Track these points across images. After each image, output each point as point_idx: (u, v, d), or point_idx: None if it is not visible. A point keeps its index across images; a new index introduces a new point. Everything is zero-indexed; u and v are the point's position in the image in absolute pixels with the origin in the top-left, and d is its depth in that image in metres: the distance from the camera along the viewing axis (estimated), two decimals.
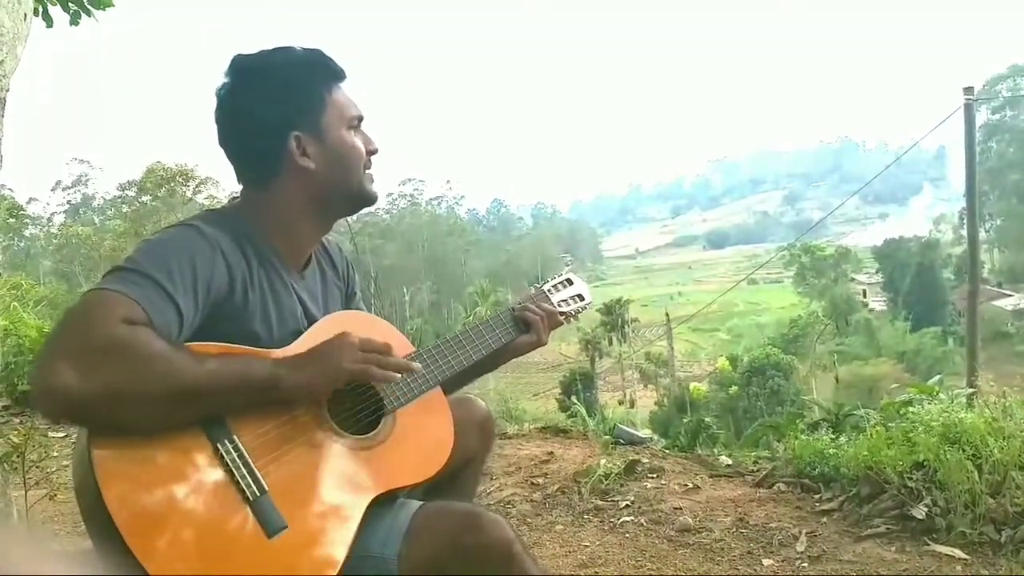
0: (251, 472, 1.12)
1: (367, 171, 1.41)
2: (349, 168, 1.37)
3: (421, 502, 1.31)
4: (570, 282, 1.82)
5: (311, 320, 1.38)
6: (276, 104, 1.31)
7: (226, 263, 1.24)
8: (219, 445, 1.12)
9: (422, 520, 1.25)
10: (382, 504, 1.25)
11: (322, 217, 1.42)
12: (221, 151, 1.36)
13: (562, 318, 1.75)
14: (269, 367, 1.18)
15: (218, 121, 1.34)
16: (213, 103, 1.34)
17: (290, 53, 1.35)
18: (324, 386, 1.22)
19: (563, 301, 1.77)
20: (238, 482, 1.10)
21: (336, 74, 1.38)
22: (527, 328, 1.65)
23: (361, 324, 1.45)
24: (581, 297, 1.81)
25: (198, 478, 1.09)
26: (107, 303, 1.08)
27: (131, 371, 1.04)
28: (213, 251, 1.23)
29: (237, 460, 1.12)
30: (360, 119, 1.40)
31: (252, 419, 1.16)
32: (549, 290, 1.77)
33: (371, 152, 1.41)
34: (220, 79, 1.34)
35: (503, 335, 1.62)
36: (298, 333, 1.33)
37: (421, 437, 1.37)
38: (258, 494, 1.11)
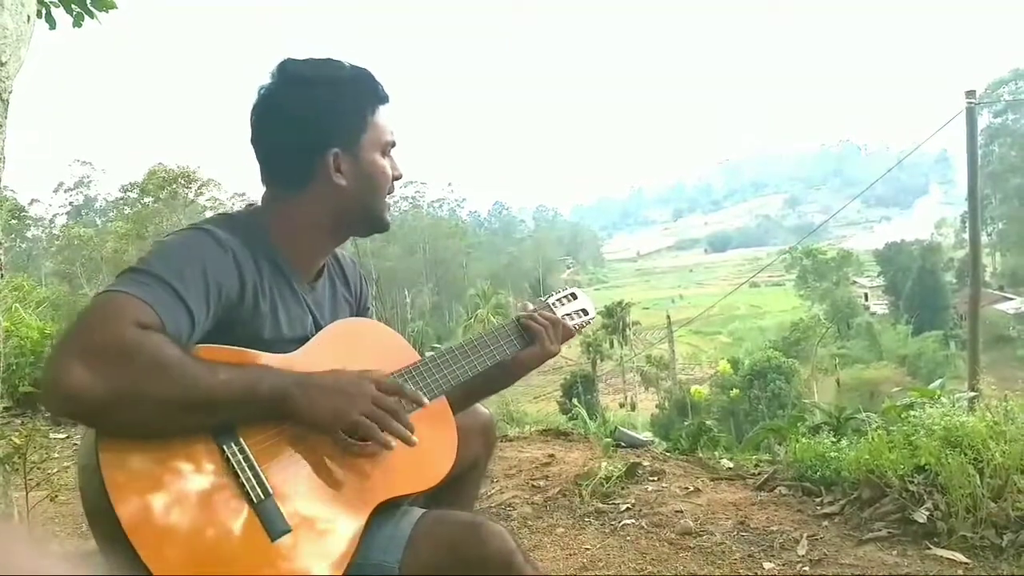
0: (256, 475, 1.12)
1: (388, 197, 1.42)
2: (376, 191, 1.38)
3: (423, 510, 1.31)
4: (574, 296, 1.81)
5: (320, 330, 1.38)
6: (321, 116, 1.31)
7: (238, 268, 1.24)
8: (225, 447, 1.12)
9: (424, 529, 1.24)
10: (385, 511, 1.25)
11: (337, 233, 1.42)
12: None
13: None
14: (280, 384, 1.17)
15: (256, 120, 1.33)
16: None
17: (340, 69, 1.35)
18: (326, 422, 1.21)
19: (567, 315, 1.75)
20: (243, 484, 1.11)
21: (380, 97, 1.38)
22: (531, 339, 1.63)
23: (369, 333, 1.46)
24: (585, 312, 1.80)
25: (203, 479, 1.09)
26: (120, 305, 1.08)
27: (142, 376, 1.04)
28: (225, 256, 1.23)
29: (243, 462, 1.12)
30: (393, 145, 1.41)
31: (258, 423, 1.17)
32: (553, 304, 1.76)
33: (395, 178, 1.42)
34: (263, 78, 1.33)
35: (507, 346, 1.60)
36: (306, 341, 1.33)
37: (425, 445, 1.36)
38: (263, 497, 1.11)
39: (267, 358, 1.23)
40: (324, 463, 1.22)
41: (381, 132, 1.37)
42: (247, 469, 1.12)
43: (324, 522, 1.17)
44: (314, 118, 1.30)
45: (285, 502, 1.13)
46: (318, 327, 1.39)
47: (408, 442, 1.25)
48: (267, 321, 1.28)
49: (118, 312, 1.07)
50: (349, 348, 1.36)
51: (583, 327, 1.81)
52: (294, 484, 1.17)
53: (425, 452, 1.35)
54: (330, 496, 1.20)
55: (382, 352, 1.41)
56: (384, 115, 1.39)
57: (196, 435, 1.11)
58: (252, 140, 1.35)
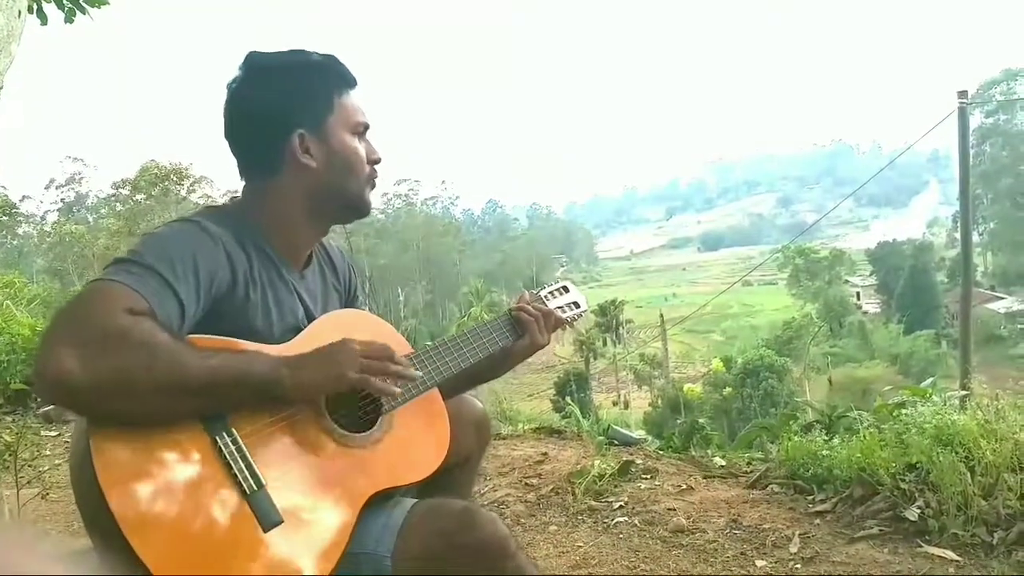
0: (249, 466, 1.12)
1: (370, 180, 1.42)
2: (350, 171, 1.38)
3: (416, 500, 1.31)
4: (566, 289, 1.82)
5: (311, 319, 1.39)
6: (283, 100, 1.32)
7: (228, 258, 1.25)
8: (217, 438, 1.12)
9: (416, 518, 1.25)
10: (377, 502, 1.25)
11: (317, 219, 1.42)
12: (225, 145, 1.37)
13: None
14: (271, 366, 1.17)
15: (225, 113, 1.35)
16: (218, 98, 1.36)
17: (304, 55, 1.37)
18: (324, 389, 1.22)
19: (559, 308, 1.75)
20: (235, 475, 1.10)
21: (347, 80, 1.39)
22: (522, 330, 1.64)
23: (361, 323, 1.46)
24: (577, 304, 1.81)
25: (196, 470, 1.09)
26: (110, 293, 1.08)
27: (133, 361, 1.04)
28: (216, 246, 1.23)
29: (235, 453, 1.12)
30: (366, 127, 1.41)
31: (251, 413, 1.17)
32: (545, 296, 1.76)
33: (374, 161, 1.42)
34: (233, 72, 1.35)
35: (499, 338, 1.61)
36: (298, 331, 1.33)
37: (417, 437, 1.37)
38: (255, 488, 1.11)
39: (259, 347, 1.23)
40: (316, 454, 1.22)
41: (351, 113, 1.38)
42: (239, 460, 1.12)
43: (316, 513, 1.17)
44: (277, 102, 1.32)
45: (277, 493, 1.13)
46: (310, 317, 1.39)
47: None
48: (259, 311, 1.29)
49: (108, 299, 1.07)
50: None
51: (575, 319, 1.81)
52: (286, 475, 1.17)
53: (417, 444, 1.36)
54: (322, 487, 1.20)
55: None
56: (354, 98, 1.39)
57: (188, 426, 1.11)
58: (225, 134, 1.36)
